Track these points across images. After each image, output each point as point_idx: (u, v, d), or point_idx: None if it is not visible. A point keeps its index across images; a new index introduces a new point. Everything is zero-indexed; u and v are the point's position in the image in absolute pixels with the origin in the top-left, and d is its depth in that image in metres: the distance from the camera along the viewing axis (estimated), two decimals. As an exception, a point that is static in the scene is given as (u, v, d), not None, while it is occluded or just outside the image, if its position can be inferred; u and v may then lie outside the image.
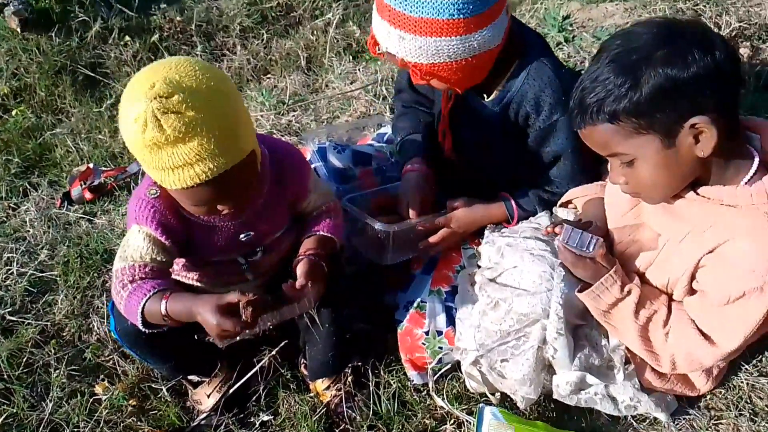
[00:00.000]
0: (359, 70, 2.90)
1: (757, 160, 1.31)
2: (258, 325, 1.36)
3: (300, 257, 1.57)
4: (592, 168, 1.76)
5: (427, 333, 1.80)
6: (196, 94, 1.24)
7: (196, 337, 1.47)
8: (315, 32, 3.26)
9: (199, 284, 1.68)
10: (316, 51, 3.19)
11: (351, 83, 2.85)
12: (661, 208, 1.44)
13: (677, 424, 1.66)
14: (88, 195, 2.40)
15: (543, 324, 1.54)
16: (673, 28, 1.23)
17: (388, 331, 1.88)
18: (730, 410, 1.67)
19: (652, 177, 1.31)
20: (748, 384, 1.71)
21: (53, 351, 1.93)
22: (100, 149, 2.70)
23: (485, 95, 1.75)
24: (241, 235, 1.58)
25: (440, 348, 1.79)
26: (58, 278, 2.12)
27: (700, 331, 1.42)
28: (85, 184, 2.40)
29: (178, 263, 1.65)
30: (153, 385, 1.85)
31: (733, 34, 2.66)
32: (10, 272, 2.16)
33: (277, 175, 1.59)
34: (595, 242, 1.43)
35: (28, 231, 2.33)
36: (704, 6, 2.84)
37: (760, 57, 2.62)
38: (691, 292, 1.45)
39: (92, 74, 3.04)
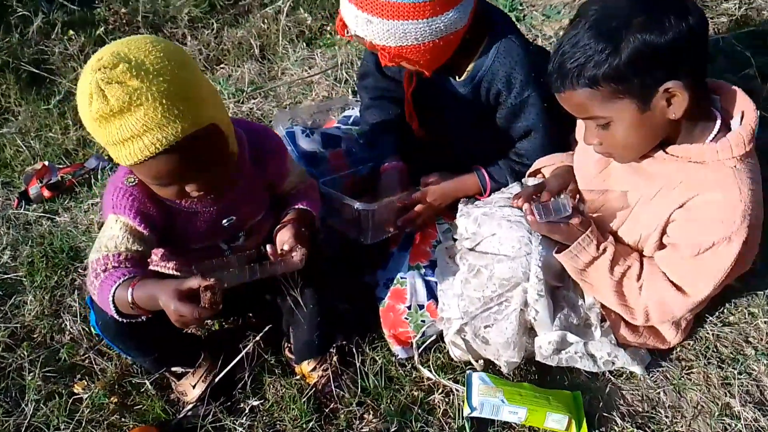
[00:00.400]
0: (318, 55, 2.89)
1: (719, 120, 1.39)
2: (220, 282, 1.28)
3: (283, 224, 1.57)
4: (560, 140, 1.83)
5: (409, 308, 1.83)
6: (142, 64, 1.21)
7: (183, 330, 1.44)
8: (266, 20, 3.23)
9: (177, 273, 1.66)
10: (269, 39, 3.16)
11: (309, 68, 2.84)
12: (630, 168, 1.51)
13: (652, 376, 1.75)
14: (46, 193, 2.32)
15: (524, 287, 1.59)
16: None
17: (370, 310, 1.90)
18: (699, 359, 1.77)
19: (626, 138, 1.38)
20: (713, 334, 1.82)
21: (26, 353, 1.87)
22: (53, 147, 2.61)
23: (456, 76, 1.79)
24: (224, 220, 1.57)
25: (423, 321, 1.82)
26: (23, 279, 2.06)
27: (672, 282, 1.50)
28: (42, 182, 2.32)
29: (157, 253, 1.62)
30: (134, 381, 1.82)
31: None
32: (-29, 277, 2.08)
33: (256, 158, 1.58)
34: (567, 203, 1.49)
35: (-13, 233, 2.25)
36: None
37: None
38: (661, 246, 1.54)
39: (36, 71, 2.93)
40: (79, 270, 2.07)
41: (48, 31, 3.08)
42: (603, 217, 1.61)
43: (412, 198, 1.85)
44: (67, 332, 1.93)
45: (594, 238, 1.52)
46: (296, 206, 1.66)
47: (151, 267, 1.63)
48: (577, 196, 1.66)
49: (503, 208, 1.69)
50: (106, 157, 2.51)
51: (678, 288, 1.50)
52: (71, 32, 3.07)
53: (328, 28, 3.19)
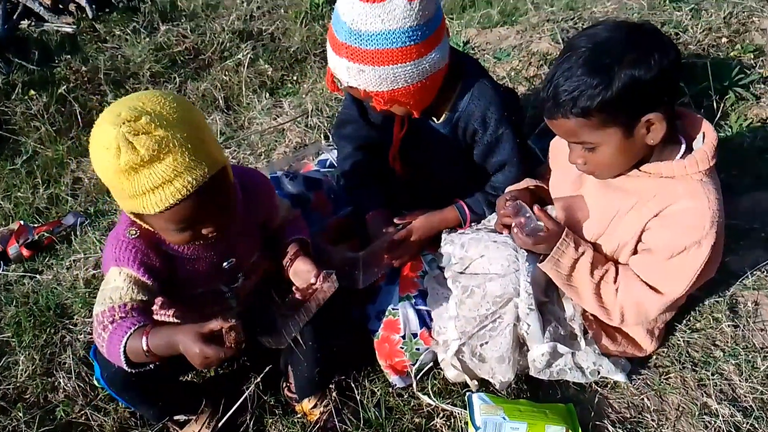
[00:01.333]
0: (286, 103, 2.99)
1: (684, 142, 1.57)
2: (284, 336, 1.43)
3: (291, 258, 1.64)
4: (530, 172, 1.97)
5: (403, 337, 1.90)
6: (161, 115, 1.28)
7: (181, 377, 1.46)
8: (227, 72, 3.33)
9: (177, 320, 1.68)
10: (232, 90, 3.25)
11: (277, 117, 2.94)
12: (605, 187, 1.67)
13: (634, 384, 1.88)
14: (25, 252, 2.31)
15: (515, 302, 1.70)
16: (636, 31, 1.44)
17: (363, 344, 1.96)
18: (675, 365, 1.91)
19: (610, 160, 1.53)
20: (683, 341, 1.97)
21: (21, 415, 1.84)
22: (24, 206, 2.60)
23: (435, 118, 1.92)
24: (224, 263, 1.62)
25: (418, 349, 1.89)
26: (11, 340, 2.03)
27: (646, 283, 1.64)
28: (20, 242, 2.30)
29: (157, 302, 1.65)
30: (135, 432, 1.82)
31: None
32: (-43, 342, 2.04)
33: (246, 199, 1.64)
34: (531, 214, 1.64)
35: (-32, 297, 2.20)
36: (583, 25, 3.22)
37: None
38: (635, 253, 1.68)
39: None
40: (69, 326, 2.07)
41: (8, 91, 3.08)
42: (580, 230, 1.75)
43: (397, 237, 1.95)
44: (61, 390, 1.92)
45: (571, 240, 1.66)
46: (294, 238, 1.73)
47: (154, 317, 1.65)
48: (552, 210, 1.81)
49: (489, 233, 1.81)
50: (82, 213, 2.52)
51: (653, 288, 1.64)
52: (32, 92, 3.08)
53: (289, 77, 3.31)
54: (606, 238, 1.69)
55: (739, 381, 1.85)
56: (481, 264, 1.76)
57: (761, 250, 2.13)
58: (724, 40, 3.10)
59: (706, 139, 1.56)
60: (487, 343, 1.74)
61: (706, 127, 1.59)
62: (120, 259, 1.45)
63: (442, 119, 1.89)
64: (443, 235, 1.98)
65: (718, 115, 2.71)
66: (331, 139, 2.42)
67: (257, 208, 1.67)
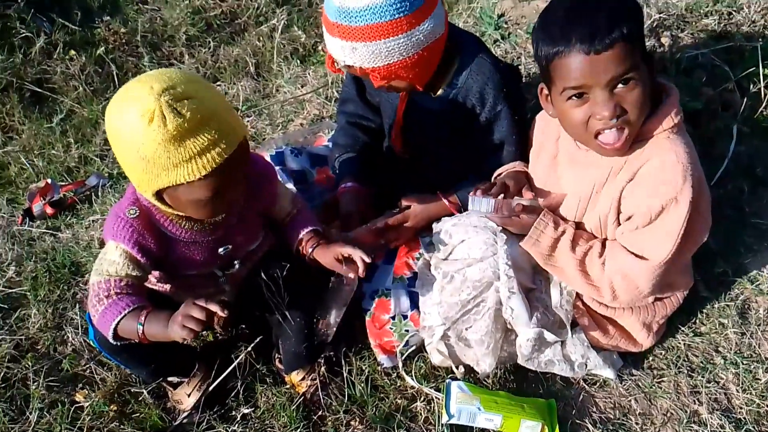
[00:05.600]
0: (309, 73, 2.99)
1: None
2: (330, 328, 1.71)
3: (311, 249, 1.73)
4: (527, 153, 1.91)
5: (393, 318, 1.92)
6: (191, 84, 1.31)
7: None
8: (261, 38, 3.33)
9: (172, 294, 1.74)
10: (264, 57, 3.26)
11: (302, 87, 2.94)
12: (578, 165, 1.66)
13: (624, 384, 1.84)
14: (49, 210, 2.42)
15: (496, 286, 1.68)
16: None
17: (356, 321, 1.99)
18: (671, 368, 1.85)
19: (644, 98, 1.47)
20: (684, 344, 1.90)
21: (30, 364, 1.96)
22: (55, 164, 2.72)
23: (432, 94, 1.88)
24: (220, 249, 1.65)
25: (407, 331, 1.90)
26: (28, 293, 2.15)
27: (632, 253, 1.60)
28: (45, 199, 2.42)
29: (155, 275, 1.69)
30: (132, 390, 1.91)
31: (654, 24, 2.87)
32: (-22, 291, 2.18)
33: (248, 187, 1.64)
34: (489, 202, 1.65)
35: (-7, 249, 2.35)
36: (627, -1, 3.05)
37: (680, 44, 2.84)
38: (618, 225, 1.64)
39: (39, 90, 3.04)
40: (81, 285, 2.17)
41: (50, 51, 3.18)
42: (561, 211, 1.72)
43: (393, 220, 1.94)
44: (69, 344, 2.03)
45: (549, 220, 1.64)
46: (307, 229, 1.76)
47: (148, 285, 1.71)
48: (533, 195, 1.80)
49: (470, 217, 1.78)
50: (105, 175, 2.62)
51: (638, 256, 1.59)
52: (72, 52, 3.17)
53: (321, 46, 3.29)
54: (588, 215, 1.68)
55: (737, 391, 1.79)
56: (462, 249, 1.75)
57: (784, 253, 2.02)
58: (782, 21, 2.88)
59: (669, 98, 1.55)
60: (471, 327, 1.74)
61: (667, 87, 1.58)
62: (117, 236, 1.50)
63: (439, 93, 1.86)
64: (434, 225, 1.96)
65: (764, 104, 2.54)
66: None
67: (258, 195, 1.69)
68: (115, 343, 1.50)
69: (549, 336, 1.72)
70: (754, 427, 1.70)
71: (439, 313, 1.77)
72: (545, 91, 1.61)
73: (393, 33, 1.61)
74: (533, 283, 1.76)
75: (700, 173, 1.56)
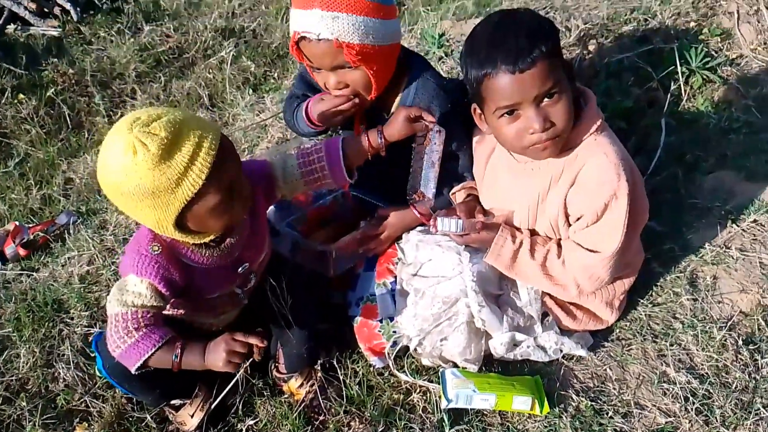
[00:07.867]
0: (269, 100, 3.09)
1: None
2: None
3: (380, 133, 1.81)
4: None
5: (380, 321, 2.02)
6: (152, 108, 1.41)
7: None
8: (211, 70, 3.42)
9: (183, 317, 1.77)
10: (216, 88, 3.35)
11: (260, 113, 3.04)
12: (519, 176, 1.80)
13: (598, 356, 2.01)
14: (22, 251, 2.42)
15: (466, 302, 1.82)
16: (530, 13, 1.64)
17: (345, 328, 2.08)
18: (636, 337, 2.03)
19: (570, 110, 1.60)
20: (645, 314, 2.09)
21: (24, 404, 1.96)
22: (18, 207, 2.71)
23: (385, 115, 2.00)
24: (239, 269, 1.72)
25: (394, 332, 2.00)
26: (12, 335, 2.14)
27: (587, 248, 1.76)
28: (16, 241, 2.41)
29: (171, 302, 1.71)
30: (133, 416, 1.94)
31: (582, 34, 3.13)
32: (-40, 338, 2.15)
33: (251, 186, 1.68)
34: (458, 223, 1.79)
35: (-32, 296, 2.31)
36: (554, 14, 3.31)
37: (606, 51, 3.11)
38: (569, 226, 1.80)
39: (-10, 135, 3.02)
40: (66, 320, 2.18)
41: (-2, 96, 3.17)
42: (513, 222, 1.87)
43: (371, 231, 2.06)
44: (62, 380, 2.03)
45: (507, 234, 1.79)
46: (338, 149, 1.77)
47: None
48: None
49: (435, 235, 1.92)
50: (74, 213, 2.62)
51: (593, 251, 1.75)
52: (21, 96, 3.16)
53: (272, 73, 3.40)
54: (539, 221, 1.82)
55: (696, 350, 1.98)
56: (430, 267, 1.89)
57: (720, 227, 2.25)
58: (692, 24, 3.18)
59: (588, 102, 1.70)
60: (446, 339, 1.87)
61: (584, 91, 1.73)
62: (142, 272, 1.53)
63: (392, 111, 1.98)
64: (403, 235, 2.08)
65: (685, 98, 2.82)
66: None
67: (260, 197, 1.74)
68: (135, 372, 1.55)
69: (520, 337, 1.87)
70: (715, 379, 1.89)
71: (413, 325, 1.89)
72: (478, 111, 1.74)
73: (374, 14, 1.72)
74: (500, 289, 1.91)
75: (630, 163, 1.71)
